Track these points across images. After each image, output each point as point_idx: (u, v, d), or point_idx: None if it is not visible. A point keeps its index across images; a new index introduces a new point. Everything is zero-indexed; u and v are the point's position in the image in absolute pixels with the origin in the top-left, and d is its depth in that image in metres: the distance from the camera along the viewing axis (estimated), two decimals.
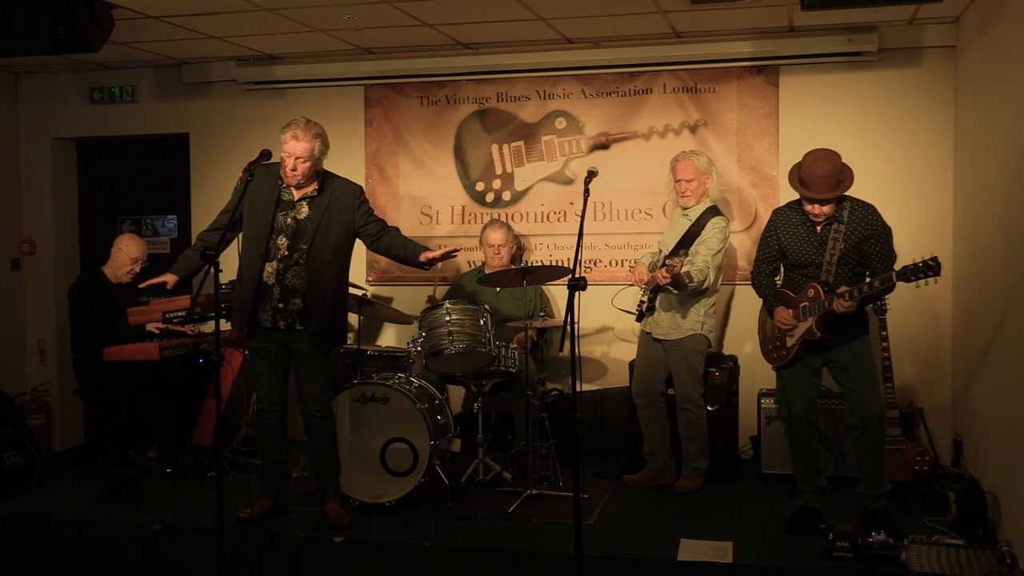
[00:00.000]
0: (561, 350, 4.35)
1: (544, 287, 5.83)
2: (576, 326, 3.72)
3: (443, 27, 5.54)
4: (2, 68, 6.55)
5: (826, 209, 4.21)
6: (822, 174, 4.14)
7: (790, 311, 4.32)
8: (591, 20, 5.39)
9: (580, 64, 5.97)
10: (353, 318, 5.53)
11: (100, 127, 6.76)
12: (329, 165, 4.66)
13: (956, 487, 4.47)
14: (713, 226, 5.04)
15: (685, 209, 5.17)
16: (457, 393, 6.06)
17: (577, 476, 3.59)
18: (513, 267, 5.58)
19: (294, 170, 4.42)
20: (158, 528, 4.64)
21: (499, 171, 6.22)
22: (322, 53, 6.17)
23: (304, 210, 4.52)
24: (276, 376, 4.62)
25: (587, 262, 5.98)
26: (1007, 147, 4.25)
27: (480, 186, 6.25)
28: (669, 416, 5.23)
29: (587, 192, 4.28)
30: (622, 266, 5.98)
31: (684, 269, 4.85)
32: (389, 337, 6.41)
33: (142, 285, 4.77)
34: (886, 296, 4.59)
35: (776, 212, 4.50)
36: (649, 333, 5.22)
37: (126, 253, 5.77)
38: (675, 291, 4.98)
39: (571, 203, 6.08)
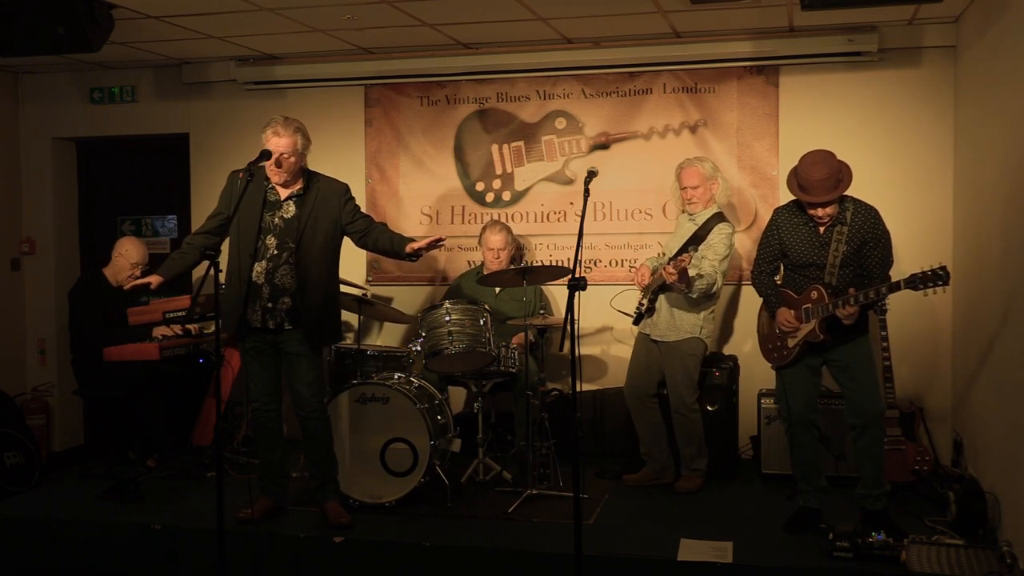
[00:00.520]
0: (561, 349, 4.35)
1: (544, 287, 5.83)
2: (576, 326, 3.71)
3: (443, 27, 5.54)
4: (2, 68, 6.54)
5: (829, 210, 4.19)
6: (820, 177, 4.12)
7: (792, 312, 4.31)
8: (591, 20, 5.39)
9: (580, 64, 5.96)
10: (353, 318, 5.53)
11: (100, 127, 6.76)
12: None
13: (956, 487, 4.47)
14: (719, 232, 5.03)
15: (692, 215, 5.17)
16: (457, 393, 6.05)
17: (577, 476, 3.59)
18: (513, 267, 5.57)
19: (279, 166, 4.42)
20: (158, 528, 4.64)
21: (499, 171, 6.22)
22: (322, 53, 6.17)
23: (291, 209, 4.52)
24: (269, 376, 4.64)
25: (587, 262, 5.98)
26: (1007, 147, 4.25)
27: (480, 186, 6.25)
28: (664, 417, 5.22)
29: (587, 192, 4.28)
30: (622, 266, 5.98)
31: (692, 272, 4.83)
32: (389, 337, 6.41)
33: (127, 287, 4.77)
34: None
35: (778, 211, 4.47)
36: (647, 334, 5.22)
37: (126, 258, 5.77)
38: (682, 287, 4.83)
39: (571, 203, 6.07)
